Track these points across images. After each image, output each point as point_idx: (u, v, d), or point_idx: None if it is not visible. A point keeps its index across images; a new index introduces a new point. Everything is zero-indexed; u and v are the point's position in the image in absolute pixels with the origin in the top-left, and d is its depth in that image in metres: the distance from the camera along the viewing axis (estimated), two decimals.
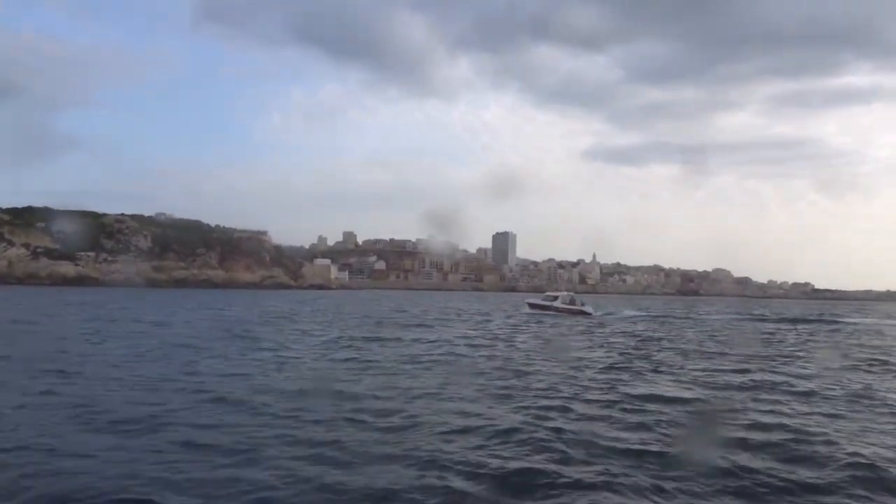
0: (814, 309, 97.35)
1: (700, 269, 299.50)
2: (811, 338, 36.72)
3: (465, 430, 10.85)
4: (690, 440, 11.08)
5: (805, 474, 9.17)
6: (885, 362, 23.51)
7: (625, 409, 13.25)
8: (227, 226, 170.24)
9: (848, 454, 10.14)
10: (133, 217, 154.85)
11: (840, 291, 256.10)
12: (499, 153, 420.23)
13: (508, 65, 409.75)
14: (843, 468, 9.44)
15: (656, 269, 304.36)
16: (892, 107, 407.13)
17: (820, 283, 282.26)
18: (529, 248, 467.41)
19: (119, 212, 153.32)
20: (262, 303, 67.10)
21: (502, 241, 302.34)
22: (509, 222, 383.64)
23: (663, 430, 11.38)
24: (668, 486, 8.50)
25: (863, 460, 9.77)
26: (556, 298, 57.85)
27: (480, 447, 9.82)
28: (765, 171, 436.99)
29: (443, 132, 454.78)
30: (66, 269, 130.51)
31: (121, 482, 7.44)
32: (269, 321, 38.47)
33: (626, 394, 15.15)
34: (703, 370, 20.03)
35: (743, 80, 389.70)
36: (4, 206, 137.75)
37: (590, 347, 26.67)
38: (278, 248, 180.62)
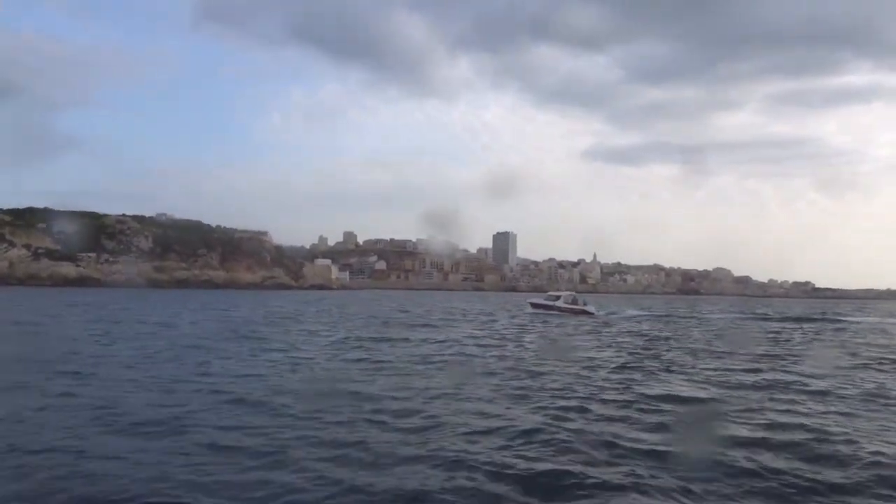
0: (816, 308, 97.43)
1: (700, 268, 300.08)
2: (817, 336, 36.77)
3: (487, 431, 10.84)
4: (711, 440, 11.06)
5: (830, 474, 9.16)
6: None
7: (642, 410, 13.23)
8: (227, 226, 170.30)
9: (870, 453, 10.14)
10: (134, 217, 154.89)
11: (840, 290, 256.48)
12: (499, 153, 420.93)
13: (508, 65, 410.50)
14: (867, 468, 9.44)
15: (657, 269, 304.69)
16: (892, 106, 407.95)
17: (820, 282, 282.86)
18: (530, 248, 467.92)
19: (119, 212, 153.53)
20: (265, 303, 67.08)
21: (503, 240, 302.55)
22: (510, 222, 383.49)
23: (684, 431, 11.38)
24: (696, 487, 8.48)
25: (886, 460, 9.78)
26: (558, 298, 57.84)
27: (505, 448, 9.81)
28: (765, 170, 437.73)
29: (443, 132, 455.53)
30: (68, 269, 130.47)
31: (152, 485, 7.42)
32: (275, 322, 38.44)
33: (642, 394, 15.14)
34: (715, 369, 20.03)
35: (743, 80, 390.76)
36: (5, 206, 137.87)
37: (598, 347, 26.66)
38: (279, 249, 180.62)
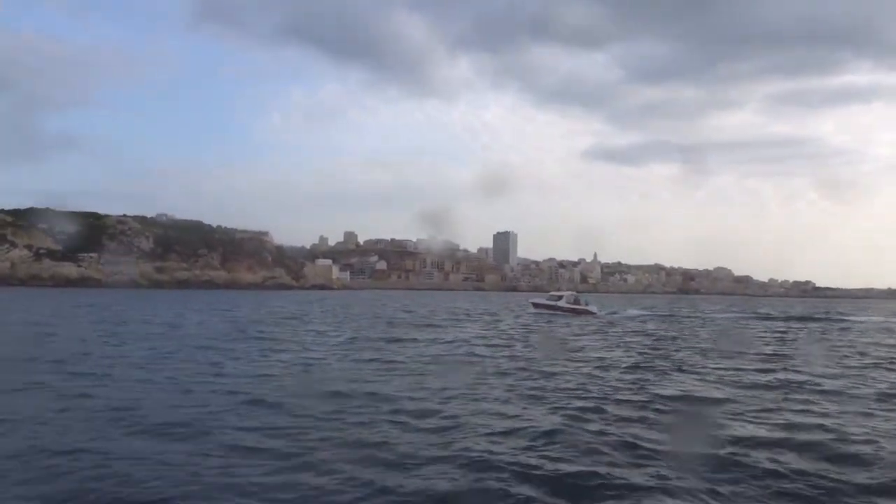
0: (818, 307, 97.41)
1: (701, 267, 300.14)
2: (824, 336, 36.77)
3: (508, 432, 10.84)
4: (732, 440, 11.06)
5: (855, 475, 9.14)
6: None
7: (659, 410, 13.24)
8: (228, 226, 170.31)
9: (892, 453, 10.14)
10: (135, 218, 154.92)
11: (840, 290, 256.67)
12: (499, 153, 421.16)
13: (508, 65, 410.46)
14: (891, 468, 9.44)
15: (657, 268, 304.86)
16: (892, 105, 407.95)
17: (820, 282, 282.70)
18: (530, 248, 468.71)
19: (119, 212, 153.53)
20: (268, 304, 67.07)
21: (503, 240, 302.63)
22: (510, 222, 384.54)
23: (706, 432, 11.37)
24: (723, 489, 8.46)
25: None
26: (560, 298, 57.84)
27: (528, 449, 9.81)
28: (764, 169, 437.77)
29: (443, 132, 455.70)
30: (69, 270, 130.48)
31: (183, 487, 7.41)
32: (281, 322, 38.45)
33: (657, 394, 15.14)
34: (726, 369, 20.03)
35: (743, 80, 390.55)
36: (6, 207, 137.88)
37: (607, 347, 26.66)
38: (280, 249, 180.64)
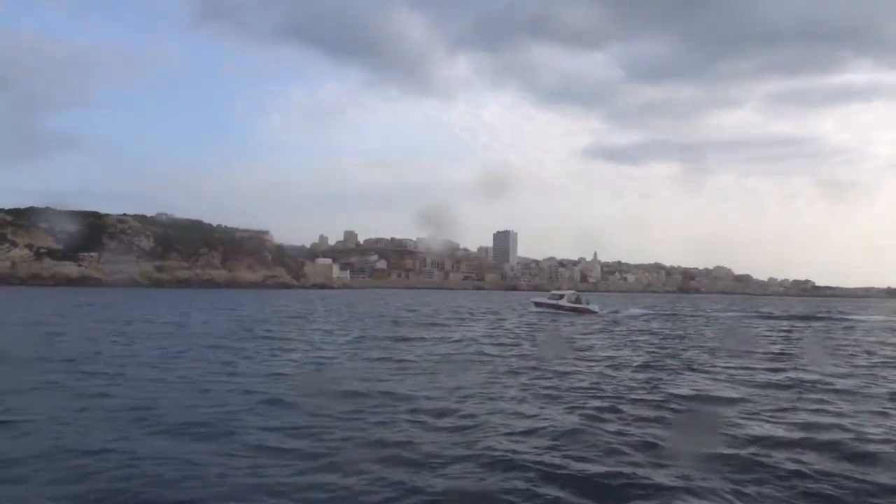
0: (819, 306, 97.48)
1: (700, 266, 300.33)
2: (829, 335, 36.77)
3: (529, 431, 10.84)
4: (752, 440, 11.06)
5: (878, 475, 9.13)
6: None
7: (675, 410, 13.24)
8: (228, 225, 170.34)
9: None
10: (135, 217, 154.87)
11: (840, 288, 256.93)
12: (498, 152, 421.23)
13: (507, 64, 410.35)
14: None
15: (657, 267, 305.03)
16: (892, 104, 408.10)
17: (820, 281, 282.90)
18: (530, 247, 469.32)
19: (119, 211, 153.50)
20: (271, 303, 67.06)
21: (503, 239, 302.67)
22: (510, 221, 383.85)
23: (725, 432, 11.36)
24: (748, 489, 8.44)
25: None
26: (562, 297, 57.83)
27: (551, 448, 9.79)
28: (764, 168, 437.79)
29: (442, 131, 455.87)
30: (70, 269, 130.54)
31: (213, 488, 7.38)
32: (286, 321, 38.45)
33: (671, 394, 15.12)
34: (736, 368, 20.04)
35: (742, 78, 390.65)
36: (6, 206, 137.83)
37: (615, 346, 26.65)
38: (280, 248, 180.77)
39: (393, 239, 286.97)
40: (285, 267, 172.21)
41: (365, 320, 41.10)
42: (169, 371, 16.47)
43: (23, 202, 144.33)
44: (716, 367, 20.26)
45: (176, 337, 26.09)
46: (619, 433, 11.06)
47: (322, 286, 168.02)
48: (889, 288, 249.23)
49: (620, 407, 13.29)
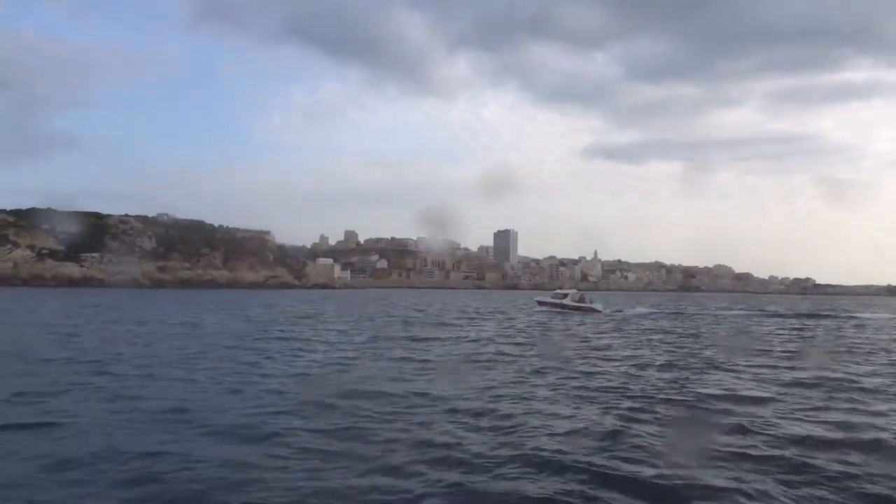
0: (822, 304, 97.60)
1: (701, 265, 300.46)
2: (841, 333, 36.78)
3: (571, 433, 10.80)
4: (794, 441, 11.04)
5: None
6: None
7: (710, 410, 13.23)
8: (229, 226, 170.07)
9: None
10: (136, 217, 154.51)
11: (841, 286, 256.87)
12: (498, 152, 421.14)
13: (507, 63, 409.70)
14: None
15: (657, 266, 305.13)
16: (892, 102, 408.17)
17: (820, 279, 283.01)
18: (531, 246, 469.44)
19: (120, 212, 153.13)
20: (276, 303, 66.97)
21: (504, 238, 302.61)
22: (510, 220, 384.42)
23: (764, 432, 11.34)
24: (801, 491, 8.42)
25: None
26: (565, 296, 57.82)
27: (599, 450, 9.74)
28: (764, 166, 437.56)
29: (443, 131, 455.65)
30: (72, 270, 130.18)
31: (280, 493, 7.31)
32: (297, 321, 38.41)
33: (701, 393, 15.12)
34: (759, 367, 20.05)
35: (742, 77, 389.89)
36: (8, 207, 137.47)
37: (632, 346, 26.61)
38: (281, 248, 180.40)
39: (393, 238, 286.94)
40: (287, 267, 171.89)
41: (375, 320, 41.08)
42: (196, 372, 16.44)
43: (24, 203, 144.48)
44: (738, 365, 20.25)
45: (192, 338, 26.05)
46: (660, 434, 11.05)
47: (324, 286, 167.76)
48: (889, 286, 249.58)
49: (654, 407, 13.28)
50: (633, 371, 18.44)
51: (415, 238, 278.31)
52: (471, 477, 8.14)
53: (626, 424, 11.55)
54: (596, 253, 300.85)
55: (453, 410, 12.17)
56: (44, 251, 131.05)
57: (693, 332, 35.52)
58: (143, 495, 7.06)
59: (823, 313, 63.31)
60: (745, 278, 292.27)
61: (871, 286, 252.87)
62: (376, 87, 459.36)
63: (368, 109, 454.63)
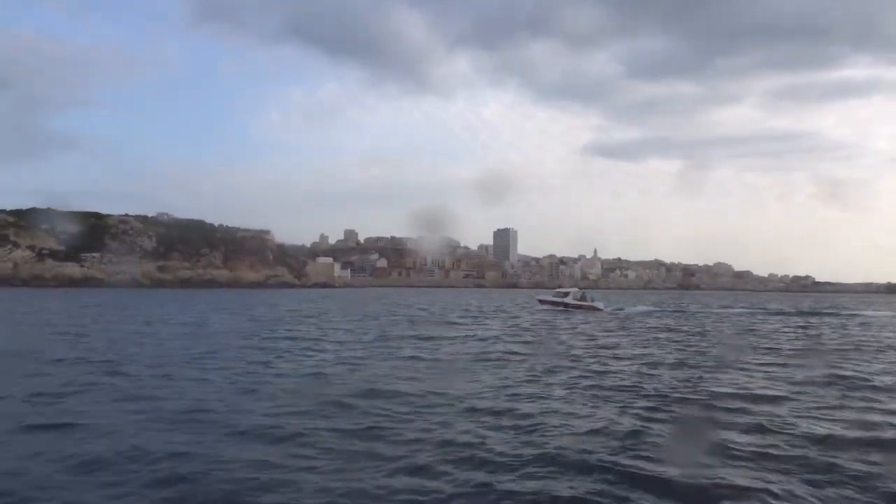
0: (823, 302, 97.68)
1: (700, 263, 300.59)
2: (846, 331, 36.80)
3: (592, 432, 10.78)
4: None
5: None
6: None
7: (727, 409, 13.20)
8: (229, 225, 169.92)
9: None
10: (136, 217, 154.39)
11: (841, 284, 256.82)
12: (498, 150, 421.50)
13: (507, 61, 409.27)
14: None
15: (657, 264, 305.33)
16: (892, 100, 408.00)
17: (819, 277, 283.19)
18: (530, 245, 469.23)
19: (120, 212, 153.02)
20: (278, 303, 66.95)
21: (503, 237, 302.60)
22: (510, 219, 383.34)
23: (783, 431, 11.34)
24: (827, 491, 8.41)
25: None
26: (567, 295, 57.85)
27: (622, 450, 9.71)
28: (764, 164, 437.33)
29: (442, 130, 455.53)
30: (72, 270, 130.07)
31: (313, 494, 7.29)
32: (303, 321, 38.41)
33: (714, 392, 15.12)
34: (769, 365, 20.04)
35: (741, 74, 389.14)
36: (8, 207, 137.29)
37: (640, 344, 26.58)
38: (281, 247, 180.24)
39: (393, 237, 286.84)
40: (287, 266, 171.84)
41: (380, 319, 41.08)
42: (208, 371, 16.42)
43: (24, 203, 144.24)
44: (749, 364, 20.24)
45: (199, 337, 26.03)
46: (681, 433, 11.06)
47: (324, 285, 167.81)
48: (889, 283, 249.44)
49: (669, 407, 13.27)
50: (644, 370, 18.44)
51: (415, 237, 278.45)
52: (498, 477, 8.14)
53: (645, 424, 11.54)
54: (595, 251, 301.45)
55: (472, 409, 12.17)
56: (44, 251, 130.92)
57: (699, 330, 35.55)
58: (177, 495, 7.05)
59: (826, 311, 63.39)
60: (744, 276, 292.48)
61: (871, 284, 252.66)
62: (376, 86, 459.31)
63: (368, 109, 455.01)
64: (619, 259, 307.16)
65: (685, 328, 37.04)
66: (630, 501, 7.72)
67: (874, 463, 9.55)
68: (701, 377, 17.33)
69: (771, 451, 10.09)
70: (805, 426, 11.85)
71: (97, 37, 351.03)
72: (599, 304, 55.44)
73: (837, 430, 11.62)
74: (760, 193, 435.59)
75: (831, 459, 9.66)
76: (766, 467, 9.29)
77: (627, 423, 11.58)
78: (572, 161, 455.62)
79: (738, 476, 8.86)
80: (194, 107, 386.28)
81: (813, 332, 35.81)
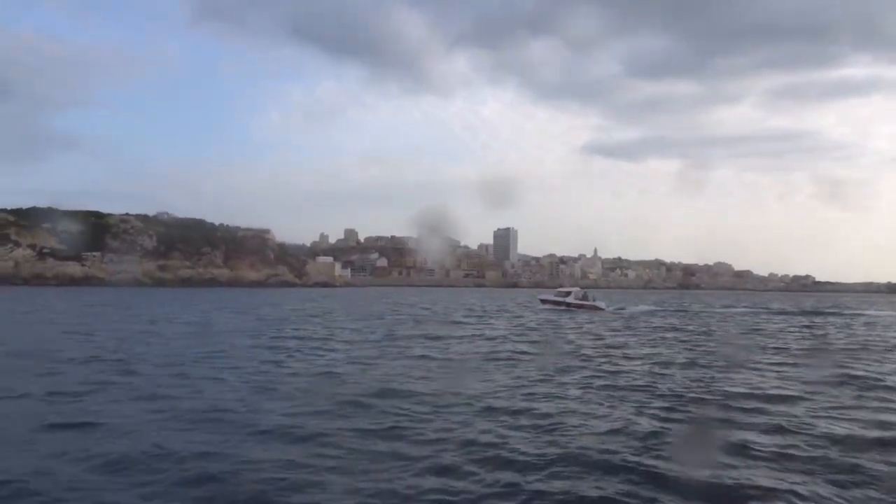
0: (825, 302, 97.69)
1: (701, 262, 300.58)
2: (851, 331, 36.79)
3: (613, 432, 10.76)
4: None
5: None
6: None
7: (743, 410, 13.17)
8: (229, 224, 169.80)
9: None
10: (137, 217, 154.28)
11: (841, 284, 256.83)
12: (498, 149, 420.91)
13: (507, 61, 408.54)
14: None
15: (657, 264, 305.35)
16: (891, 99, 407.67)
17: (820, 276, 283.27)
18: (530, 244, 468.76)
19: (120, 211, 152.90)
20: (281, 302, 66.93)
21: (503, 237, 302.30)
22: (510, 218, 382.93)
23: (802, 431, 11.32)
24: (853, 492, 8.38)
25: None
26: (568, 294, 57.87)
27: (644, 450, 9.68)
28: (763, 164, 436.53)
29: (442, 129, 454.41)
30: (73, 269, 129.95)
31: (345, 495, 7.28)
32: (308, 320, 38.42)
33: (728, 392, 15.10)
34: (780, 365, 20.04)
35: (741, 74, 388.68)
36: (9, 206, 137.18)
37: (648, 344, 26.58)
38: (281, 246, 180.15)
39: (393, 237, 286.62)
40: (287, 265, 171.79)
41: (385, 318, 41.07)
42: (222, 371, 16.39)
43: (25, 202, 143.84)
44: (760, 363, 20.24)
45: (207, 336, 26.00)
46: (700, 434, 11.05)
47: (324, 284, 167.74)
48: (889, 283, 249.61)
49: (685, 408, 13.25)
50: (656, 370, 18.43)
51: (415, 236, 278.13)
52: (525, 476, 8.12)
53: (664, 425, 11.53)
54: (596, 251, 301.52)
55: (489, 409, 12.16)
56: (45, 250, 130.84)
57: (704, 329, 35.55)
58: (207, 494, 7.03)
59: (829, 311, 63.40)
60: (744, 276, 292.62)
61: (872, 283, 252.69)
62: (376, 85, 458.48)
63: (368, 108, 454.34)
64: (619, 258, 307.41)
65: (690, 328, 37.05)
66: (657, 502, 7.70)
67: (893, 464, 9.54)
68: (713, 377, 17.32)
69: (792, 451, 10.07)
70: (823, 426, 11.82)
71: (97, 37, 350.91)
72: (601, 304, 55.47)
73: (856, 430, 11.60)
74: (760, 193, 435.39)
75: (853, 460, 9.63)
76: (789, 468, 9.28)
77: (646, 423, 11.56)
78: (572, 161, 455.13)
79: (762, 477, 8.84)
80: (194, 106, 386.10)
81: (819, 331, 35.82)
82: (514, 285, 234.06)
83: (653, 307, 63.64)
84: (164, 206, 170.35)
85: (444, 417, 11.27)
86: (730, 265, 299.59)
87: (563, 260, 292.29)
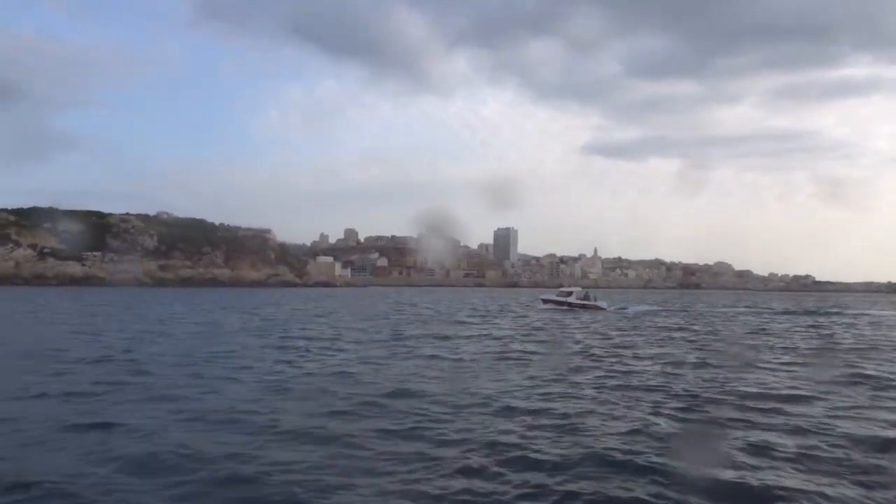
0: (826, 302, 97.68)
1: (701, 262, 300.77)
2: (858, 331, 36.79)
3: (633, 432, 10.71)
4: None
5: None
6: None
7: (760, 410, 13.15)
8: (230, 224, 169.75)
9: None
10: (137, 216, 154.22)
11: (841, 283, 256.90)
12: (498, 149, 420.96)
13: (506, 60, 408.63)
14: None
15: (657, 263, 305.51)
16: (891, 99, 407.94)
17: (820, 276, 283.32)
18: (530, 244, 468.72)
19: (121, 211, 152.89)
20: (283, 302, 66.91)
21: (503, 236, 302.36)
22: (510, 218, 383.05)
23: (822, 432, 11.30)
24: (879, 493, 8.36)
25: None
26: (570, 294, 57.86)
27: (666, 451, 9.63)
28: (764, 163, 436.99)
29: (442, 128, 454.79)
30: (74, 269, 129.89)
31: (374, 497, 7.28)
32: (314, 320, 38.41)
33: (743, 392, 15.07)
34: (790, 364, 20.04)
35: (741, 74, 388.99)
36: (10, 206, 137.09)
37: (656, 344, 26.55)
38: (282, 246, 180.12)
39: (393, 236, 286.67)
40: (288, 265, 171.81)
41: (390, 318, 41.05)
42: (235, 371, 16.37)
43: (25, 202, 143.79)
44: (771, 363, 20.22)
45: (215, 336, 25.99)
46: (720, 435, 11.01)
47: (325, 284, 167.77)
48: (890, 283, 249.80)
49: (703, 408, 13.23)
50: (668, 369, 18.41)
51: (415, 235, 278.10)
52: (553, 477, 8.09)
53: (681, 425, 11.52)
54: (596, 250, 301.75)
55: (508, 409, 12.14)
56: (45, 250, 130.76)
57: (710, 329, 35.54)
58: (241, 496, 7.00)
59: (832, 310, 63.38)
60: (744, 275, 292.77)
61: (872, 283, 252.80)
62: (376, 85, 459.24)
63: (368, 107, 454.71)
64: (619, 258, 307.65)
65: (696, 327, 37.05)
66: (680, 502, 7.68)
67: None
68: (726, 377, 17.28)
69: (814, 452, 10.03)
70: (842, 427, 11.78)
71: (97, 37, 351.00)
72: (603, 304, 55.49)
73: (876, 430, 11.58)
74: (760, 193, 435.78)
75: (876, 461, 9.60)
76: (813, 469, 9.24)
77: (665, 423, 11.53)
78: (572, 161, 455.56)
79: (787, 478, 8.81)
80: (194, 106, 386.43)
81: (825, 331, 35.80)
82: (515, 285, 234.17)
83: (654, 307, 63.64)
84: (164, 206, 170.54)
85: (464, 418, 11.25)
86: (730, 265, 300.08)
87: (563, 260, 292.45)
